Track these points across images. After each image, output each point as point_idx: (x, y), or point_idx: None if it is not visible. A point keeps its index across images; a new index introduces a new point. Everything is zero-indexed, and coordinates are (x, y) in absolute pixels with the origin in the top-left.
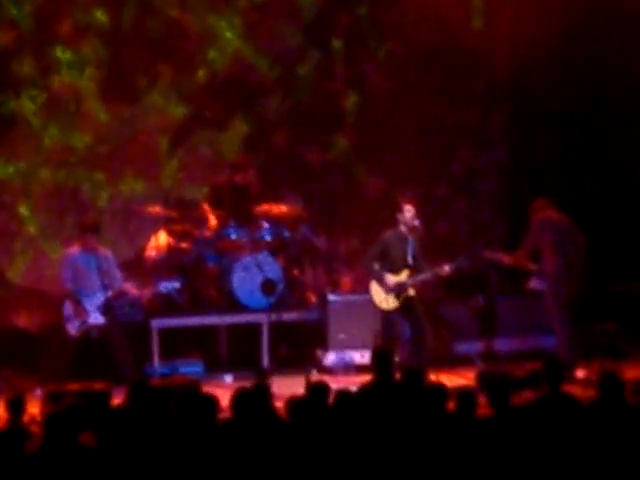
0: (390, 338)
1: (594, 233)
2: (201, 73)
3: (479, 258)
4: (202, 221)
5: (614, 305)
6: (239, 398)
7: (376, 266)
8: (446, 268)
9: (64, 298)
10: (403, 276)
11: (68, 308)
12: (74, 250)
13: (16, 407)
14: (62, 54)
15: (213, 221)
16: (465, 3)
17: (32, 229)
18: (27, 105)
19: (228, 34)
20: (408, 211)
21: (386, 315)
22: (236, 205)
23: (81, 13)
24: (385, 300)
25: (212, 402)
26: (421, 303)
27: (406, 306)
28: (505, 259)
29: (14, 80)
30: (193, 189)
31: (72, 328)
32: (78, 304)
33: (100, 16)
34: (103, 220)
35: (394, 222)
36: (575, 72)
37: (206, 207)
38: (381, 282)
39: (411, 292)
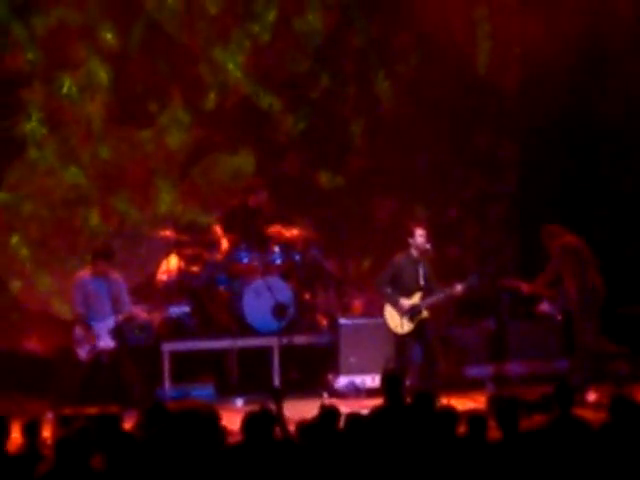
0: (402, 362)
1: (602, 256)
2: (212, 97)
3: (492, 282)
4: (214, 244)
5: (622, 328)
6: (249, 422)
7: (389, 290)
8: (458, 287)
9: (74, 322)
10: (416, 298)
11: (78, 332)
12: (85, 274)
13: (31, 431)
14: (71, 78)
15: (225, 244)
16: (474, 29)
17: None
18: (38, 129)
19: (231, 65)
20: (420, 235)
21: (399, 339)
22: (248, 228)
23: (91, 37)
24: (400, 324)
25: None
26: (433, 326)
27: (419, 329)
28: (524, 287)
29: (24, 104)
30: (204, 213)
31: (82, 352)
32: (88, 328)
33: (110, 39)
34: (114, 244)
35: (405, 245)
36: (586, 99)
37: (218, 230)
38: (396, 305)
39: (425, 314)
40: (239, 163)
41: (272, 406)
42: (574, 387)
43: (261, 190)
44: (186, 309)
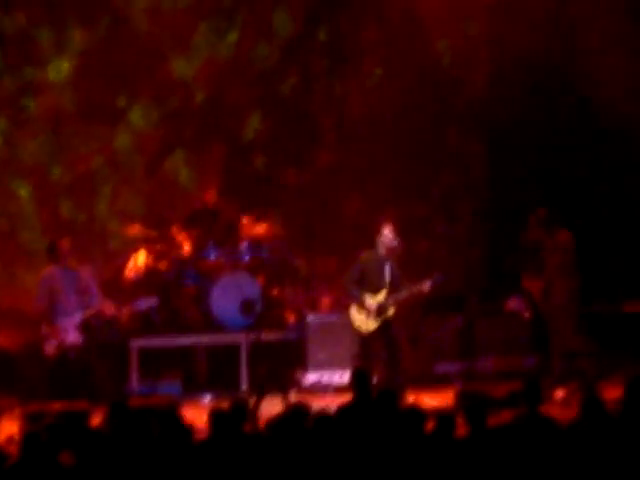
0: (368, 359)
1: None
2: (179, 93)
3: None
4: (175, 245)
5: (595, 325)
6: (216, 418)
7: (356, 289)
8: (425, 285)
9: (41, 317)
10: (381, 296)
11: (44, 328)
12: (53, 269)
13: None
14: (41, 74)
15: (187, 246)
16: (443, 23)
17: (12, 248)
18: (2, 125)
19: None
20: (387, 232)
21: (364, 337)
22: (212, 225)
23: (58, 32)
24: (365, 322)
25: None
26: (399, 323)
27: (384, 327)
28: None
29: None
30: (173, 209)
31: (49, 348)
32: (52, 324)
33: (77, 35)
34: (82, 240)
35: (373, 242)
36: (552, 93)
37: (176, 230)
38: (362, 304)
39: (391, 312)
40: (206, 159)
41: (251, 400)
42: (545, 384)
43: (213, 188)
44: (153, 302)
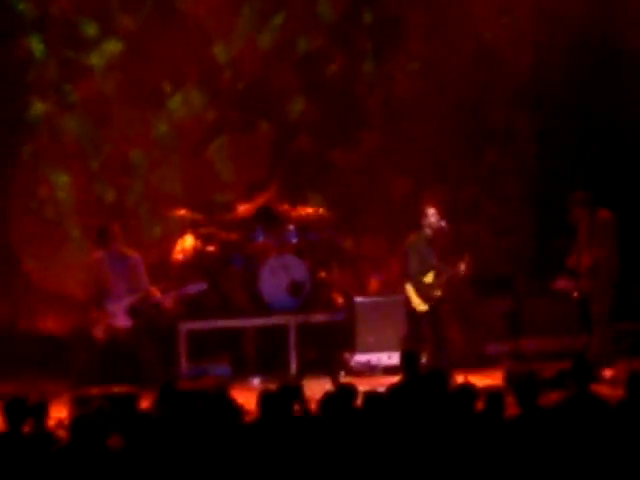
0: (417, 339)
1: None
2: (226, 76)
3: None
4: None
5: (637, 304)
6: (265, 399)
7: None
8: (461, 267)
9: (89, 302)
10: (430, 277)
11: (94, 312)
12: (101, 254)
13: (39, 412)
14: (87, 58)
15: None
16: (490, 4)
17: (60, 234)
18: (50, 109)
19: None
20: (432, 215)
21: (414, 317)
22: (258, 209)
23: (102, 17)
24: (420, 303)
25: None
26: (449, 305)
27: (433, 308)
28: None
29: (40, 85)
30: (219, 193)
31: (98, 332)
32: (102, 308)
33: (121, 20)
34: (129, 223)
35: (418, 224)
36: (602, 71)
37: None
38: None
39: (438, 293)
40: (255, 142)
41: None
42: (592, 363)
43: (269, 186)
44: (203, 286)
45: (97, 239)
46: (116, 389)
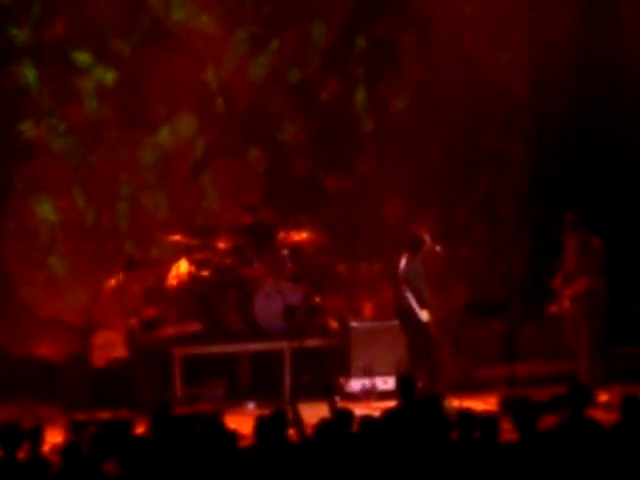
0: (414, 364)
1: (613, 255)
2: (220, 101)
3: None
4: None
5: (633, 328)
6: (261, 425)
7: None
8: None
9: (93, 329)
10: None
11: (99, 340)
12: (113, 284)
13: (34, 437)
14: (82, 83)
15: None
16: (482, 28)
17: (54, 259)
18: (46, 135)
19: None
20: (428, 239)
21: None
22: (251, 234)
23: (99, 42)
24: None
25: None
26: (441, 328)
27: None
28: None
29: (33, 110)
30: (214, 218)
31: (99, 359)
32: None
33: (118, 44)
34: (123, 248)
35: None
36: (596, 98)
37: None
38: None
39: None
40: (249, 167)
41: (293, 407)
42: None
43: (261, 207)
44: (198, 327)
45: (125, 267)
46: (111, 414)
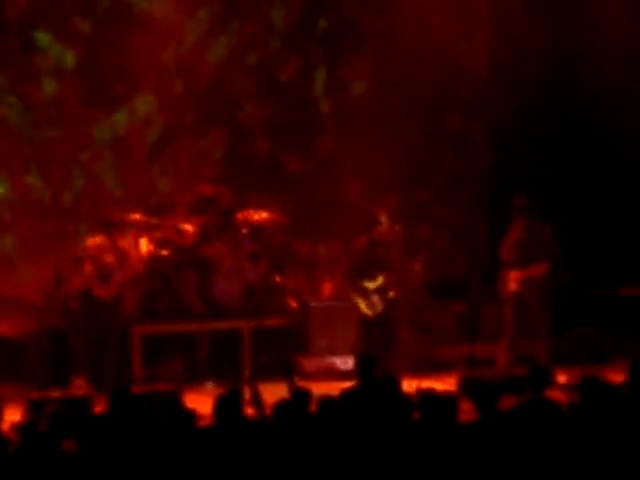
0: (370, 344)
1: (577, 236)
2: (179, 81)
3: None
4: (177, 232)
5: (596, 309)
6: (221, 404)
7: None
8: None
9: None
10: (380, 280)
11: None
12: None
13: None
14: (42, 61)
15: (188, 233)
16: (445, 10)
17: (9, 238)
18: (7, 113)
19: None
20: (384, 220)
21: (367, 322)
22: (211, 213)
23: (62, 19)
24: (371, 306)
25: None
26: (402, 309)
27: (385, 311)
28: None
29: None
30: (173, 197)
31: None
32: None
33: (78, 23)
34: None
35: (369, 229)
36: (556, 74)
37: (178, 217)
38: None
39: (391, 294)
40: (208, 147)
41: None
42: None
43: (216, 183)
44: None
45: (103, 229)
46: (70, 392)
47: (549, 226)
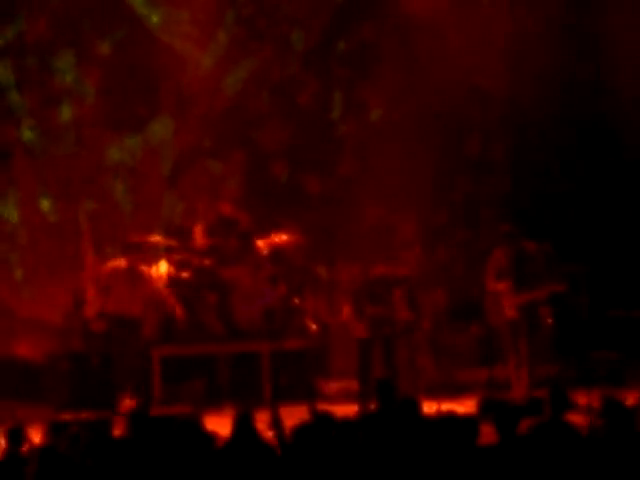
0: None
1: (594, 260)
2: (199, 104)
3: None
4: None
5: (613, 331)
6: (239, 425)
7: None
8: None
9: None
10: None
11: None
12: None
13: (15, 438)
14: (61, 84)
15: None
16: (464, 32)
17: (27, 261)
18: (26, 135)
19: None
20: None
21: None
22: (231, 236)
23: (82, 43)
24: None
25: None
26: (421, 332)
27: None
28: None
29: (13, 111)
30: (193, 219)
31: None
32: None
33: (98, 46)
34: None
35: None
36: (575, 96)
37: (198, 239)
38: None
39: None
40: (228, 169)
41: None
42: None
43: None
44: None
45: (125, 251)
46: (90, 415)
47: (532, 244)
